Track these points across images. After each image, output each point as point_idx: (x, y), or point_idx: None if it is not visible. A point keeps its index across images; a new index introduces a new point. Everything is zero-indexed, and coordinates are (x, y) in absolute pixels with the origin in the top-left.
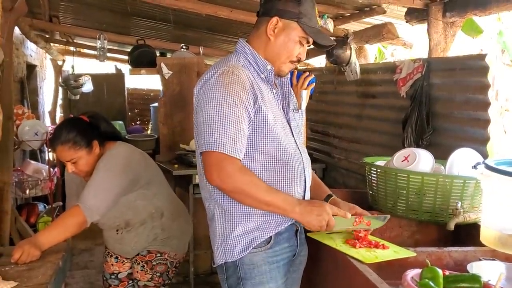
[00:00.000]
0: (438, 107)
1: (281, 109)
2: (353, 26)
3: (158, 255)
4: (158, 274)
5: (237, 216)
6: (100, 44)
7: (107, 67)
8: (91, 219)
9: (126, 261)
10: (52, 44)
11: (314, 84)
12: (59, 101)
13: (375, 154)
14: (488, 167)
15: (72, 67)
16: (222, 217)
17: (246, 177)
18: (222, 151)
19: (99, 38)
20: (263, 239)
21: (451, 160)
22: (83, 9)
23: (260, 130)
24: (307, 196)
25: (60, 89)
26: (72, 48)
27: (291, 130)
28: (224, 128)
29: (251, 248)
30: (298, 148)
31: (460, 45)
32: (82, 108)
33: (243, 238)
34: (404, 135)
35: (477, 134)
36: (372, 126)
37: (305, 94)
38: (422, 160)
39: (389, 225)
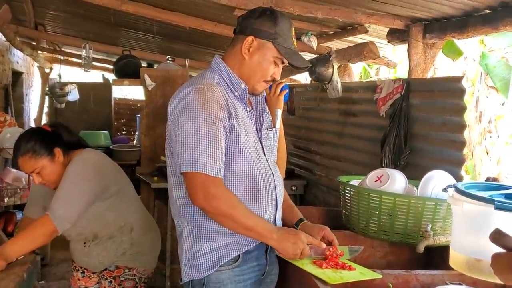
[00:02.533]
0: (416, 128)
1: (254, 127)
2: (336, 44)
3: (127, 270)
4: None
5: (205, 234)
6: (85, 53)
7: (94, 76)
8: (61, 228)
9: (92, 276)
10: (39, 52)
11: (287, 90)
12: (45, 109)
13: (354, 172)
14: (458, 191)
15: (59, 75)
16: (190, 234)
17: (230, 200)
18: (204, 172)
19: (85, 47)
20: (231, 257)
21: (424, 181)
22: (69, 18)
23: (232, 149)
24: (279, 215)
25: (47, 97)
26: (60, 57)
27: (263, 149)
28: (204, 148)
29: (218, 266)
30: (270, 167)
31: (446, 67)
32: (68, 117)
33: (210, 255)
34: (382, 155)
35: (453, 156)
36: (353, 144)
37: (280, 113)
38: (395, 181)
39: (361, 245)
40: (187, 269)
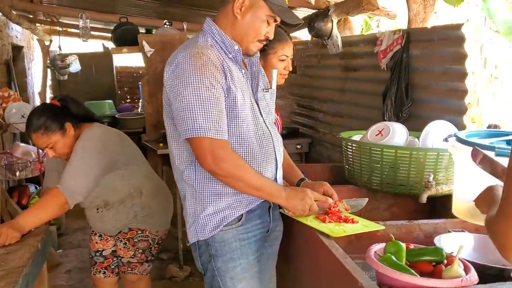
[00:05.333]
0: (417, 79)
1: (250, 89)
2: None
3: (139, 232)
4: (140, 251)
5: (208, 197)
6: (82, 23)
7: (95, 46)
8: (73, 201)
9: (109, 239)
10: (37, 24)
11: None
12: (49, 82)
13: (357, 128)
14: (459, 140)
15: (59, 47)
16: (193, 197)
17: (238, 162)
18: (209, 136)
19: (81, 17)
20: (234, 217)
21: (425, 132)
22: None
23: (230, 111)
24: (279, 174)
25: (49, 70)
26: (59, 28)
27: (260, 110)
28: (206, 112)
29: (222, 226)
30: (268, 128)
31: (448, 14)
32: (71, 88)
33: (213, 217)
34: (384, 108)
35: (454, 105)
36: (355, 99)
37: (275, 73)
38: (396, 133)
39: (365, 198)
40: (192, 231)
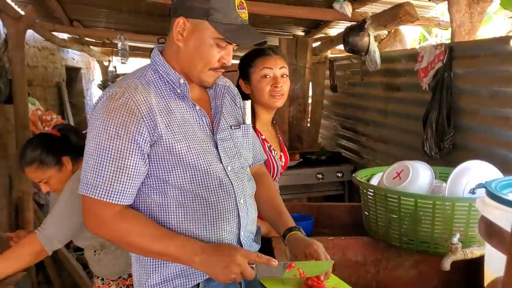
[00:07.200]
0: (462, 102)
1: (207, 129)
2: (372, 8)
3: None
4: None
5: (151, 262)
6: (121, 45)
7: None
8: (50, 247)
9: (112, 284)
10: (92, 46)
11: None
12: None
13: (400, 156)
14: (490, 194)
15: (114, 67)
16: (137, 262)
17: (124, 225)
18: (92, 196)
19: (120, 39)
20: None
21: (454, 176)
22: (101, 12)
23: (166, 162)
24: (245, 234)
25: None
26: (116, 49)
27: (219, 155)
28: (100, 167)
29: None
30: (228, 177)
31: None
32: None
33: (160, 287)
34: (424, 136)
35: (504, 137)
36: (397, 123)
37: (249, 105)
38: (418, 176)
39: (385, 254)
40: None
